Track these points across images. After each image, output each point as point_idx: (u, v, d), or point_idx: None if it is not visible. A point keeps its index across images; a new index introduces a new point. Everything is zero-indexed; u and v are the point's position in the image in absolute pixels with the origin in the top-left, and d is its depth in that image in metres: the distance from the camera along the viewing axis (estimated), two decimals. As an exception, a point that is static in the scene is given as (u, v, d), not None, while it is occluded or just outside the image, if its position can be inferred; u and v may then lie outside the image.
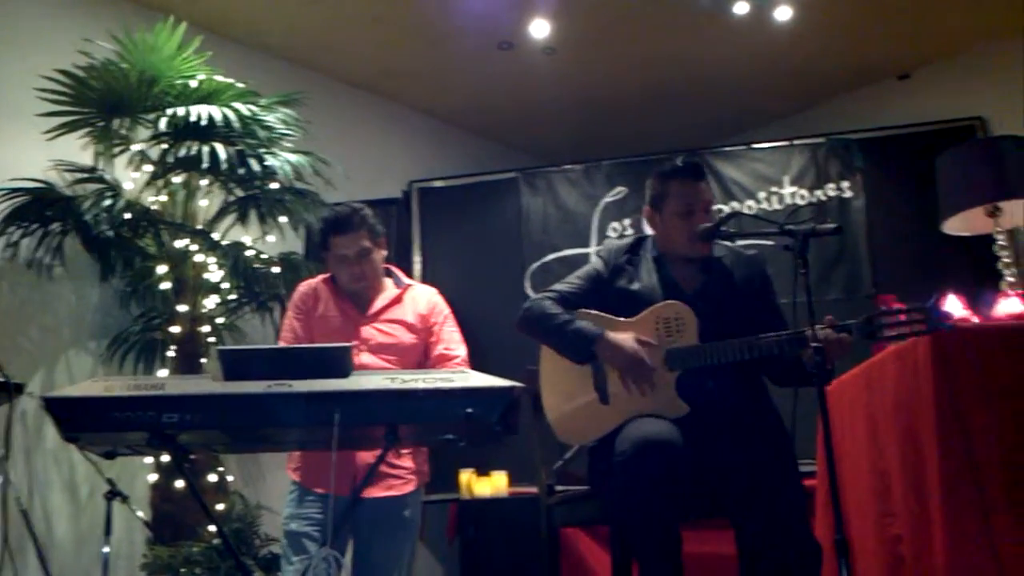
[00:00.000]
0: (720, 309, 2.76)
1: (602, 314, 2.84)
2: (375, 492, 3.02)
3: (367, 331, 3.16)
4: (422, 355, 3.21)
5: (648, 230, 3.04)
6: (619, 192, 5.62)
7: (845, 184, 5.45)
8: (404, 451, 3.04)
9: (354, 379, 2.44)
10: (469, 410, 2.39)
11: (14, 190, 4.05)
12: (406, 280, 3.34)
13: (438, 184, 5.89)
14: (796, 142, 5.60)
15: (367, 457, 2.90)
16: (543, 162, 6.16)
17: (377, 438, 2.49)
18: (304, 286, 3.29)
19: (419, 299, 3.28)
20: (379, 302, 3.23)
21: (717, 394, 2.69)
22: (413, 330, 3.21)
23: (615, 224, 5.60)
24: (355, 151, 5.44)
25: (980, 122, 5.43)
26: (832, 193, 5.46)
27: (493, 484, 5.08)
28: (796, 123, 6.15)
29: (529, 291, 5.45)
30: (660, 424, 2.58)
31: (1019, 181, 3.29)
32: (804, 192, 5.48)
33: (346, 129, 5.56)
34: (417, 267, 5.70)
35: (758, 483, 2.52)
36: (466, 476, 5.13)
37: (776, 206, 5.50)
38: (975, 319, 2.86)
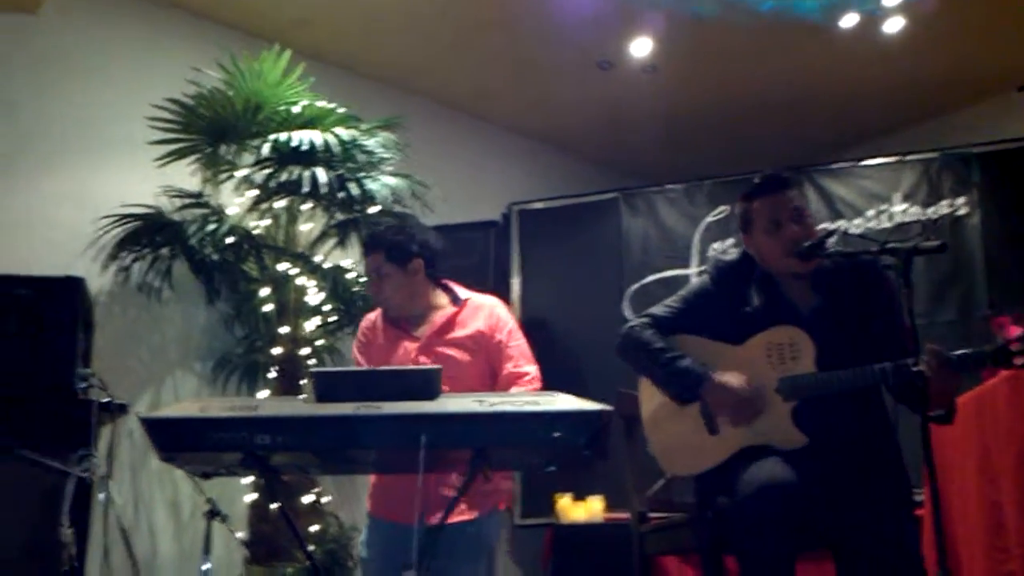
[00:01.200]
0: (838, 328, 2.59)
1: (707, 341, 2.72)
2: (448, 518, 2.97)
3: (422, 358, 3.04)
4: (484, 373, 3.06)
5: None
6: (721, 211, 5.50)
7: (960, 200, 5.22)
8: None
9: (441, 401, 2.43)
10: (557, 434, 2.34)
11: (125, 216, 4.21)
12: (464, 294, 3.16)
13: (538, 205, 5.88)
14: (908, 157, 5.40)
15: (437, 486, 2.85)
16: (643, 182, 6.09)
17: (464, 461, 2.46)
18: (365, 320, 3.22)
19: (479, 314, 3.11)
20: (430, 323, 3.11)
21: (837, 427, 2.54)
22: (469, 349, 3.06)
23: (716, 244, 5.48)
24: (453, 174, 5.49)
25: (1104, 131, 5.17)
26: (946, 210, 5.24)
27: (589, 509, 5.01)
28: (906, 138, 5.94)
29: (628, 313, 5.38)
30: (780, 467, 2.46)
31: None
32: (916, 209, 5.27)
33: (444, 152, 5.62)
34: (516, 289, 5.69)
35: (870, 519, 2.41)
36: (562, 501, 5.08)
37: (886, 224, 5.30)
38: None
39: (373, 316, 3.23)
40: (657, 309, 2.81)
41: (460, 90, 5.71)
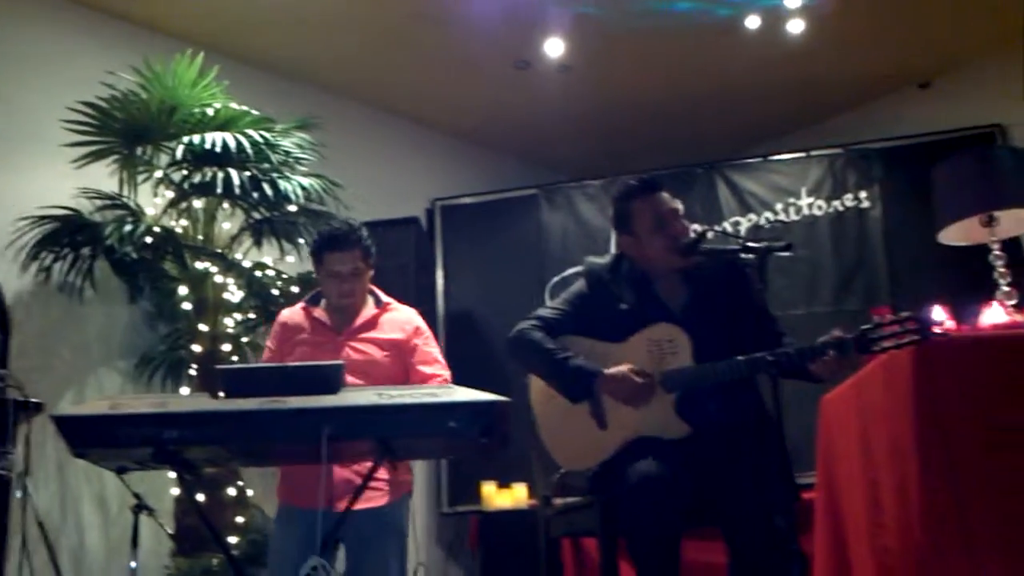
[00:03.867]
0: (710, 322, 2.76)
1: (591, 341, 2.85)
2: (357, 505, 3.09)
3: (344, 351, 3.19)
4: (400, 374, 3.21)
5: None
6: (636, 207, 5.67)
7: (863, 194, 5.46)
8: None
9: (343, 395, 2.55)
10: (452, 424, 2.47)
11: (43, 217, 4.24)
12: (385, 299, 3.35)
13: (460, 201, 6.00)
14: (813, 153, 5.63)
15: (344, 473, 2.97)
16: (563, 178, 6.25)
17: (366, 452, 2.59)
18: (282, 315, 3.34)
19: (398, 319, 3.30)
20: (358, 321, 3.26)
21: (717, 414, 2.71)
22: (387, 348, 3.23)
23: (633, 238, 5.65)
24: (374, 171, 5.59)
25: (1000, 129, 5.42)
26: (850, 203, 5.48)
27: (513, 496, 5.16)
28: (815, 134, 6.16)
29: (548, 306, 5.52)
30: (662, 461, 2.61)
31: (1014, 190, 3.30)
32: (821, 203, 5.51)
33: (365, 150, 5.70)
34: (440, 284, 5.81)
35: (751, 498, 2.57)
36: (487, 488, 5.22)
37: (794, 217, 5.53)
38: (961, 329, 2.88)
39: (291, 311, 3.35)
40: (544, 311, 2.94)
41: (381, 88, 5.80)
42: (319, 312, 3.29)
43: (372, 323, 3.28)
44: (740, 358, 2.59)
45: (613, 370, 2.72)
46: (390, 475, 3.16)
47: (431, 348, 3.30)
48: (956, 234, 3.48)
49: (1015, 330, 2.88)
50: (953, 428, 2.58)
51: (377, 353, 3.22)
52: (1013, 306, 3.11)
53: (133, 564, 3.58)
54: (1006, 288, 3.19)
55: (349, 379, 3.12)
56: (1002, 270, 3.24)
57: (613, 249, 3.08)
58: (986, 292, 3.23)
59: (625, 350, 2.78)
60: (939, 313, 2.88)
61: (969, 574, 2.49)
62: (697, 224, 2.83)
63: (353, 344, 3.22)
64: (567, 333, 2.87)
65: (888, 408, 2.86)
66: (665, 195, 2.85)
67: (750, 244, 2.46)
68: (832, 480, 3.36)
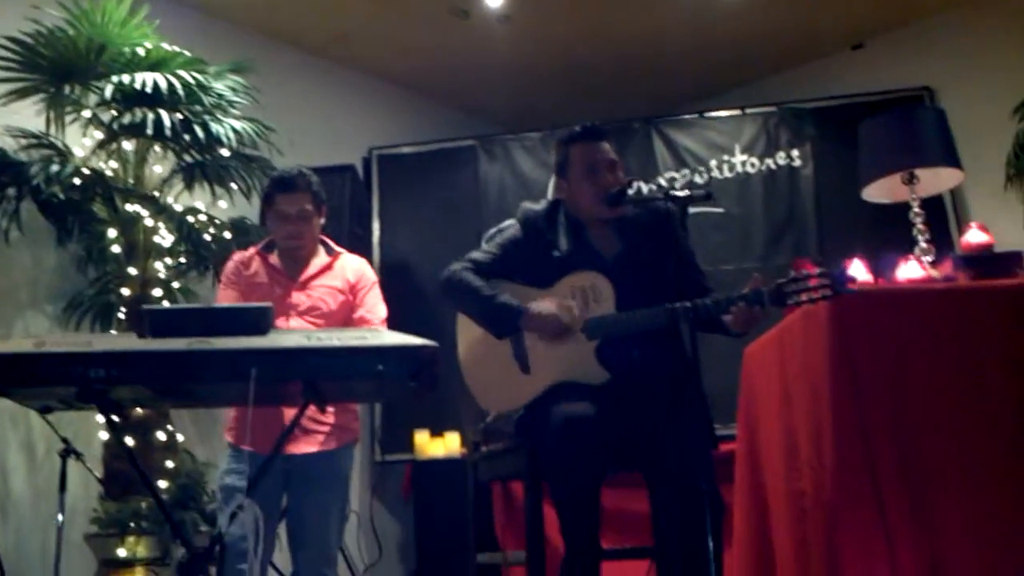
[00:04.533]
0: (638, 273, 2.81)
1: (518, 285, 2.91)
2: (302, 448, 3.14)
3: (296, 296, 3.27)
4: (346, 321, 3.30)
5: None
6: (573, 160, 5.70)
7: (795, 153, 5.56)
8: (329, 409, 3.13)
9: (271, 337, 2.56)
10: (380, 367, 2.50)
11: (-37, 157, 4.13)
12: (336, 248, 3.44)
13: (398, 151, 5.97)
14: (748, 111, 5.70)
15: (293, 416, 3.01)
16: (502, 130, 6.25)
17: (295, 394, 2.60)
18: (236, 256, 3.40)
19: (348, 267, 3.39)
20: (310, 269, 3.34)
21: (638, 362, 2.78)
22: (339, 297, 3.32)
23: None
24: (310, 118, 5.52)
25: (928, 92, 5.54)
26: (782, 161, 5.57)
27: (446, 445, 5.21)
28: (751, 93, 6.21)
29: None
30: (583, 405, 2.69)
31: (935, 150, 3.40)
32: (755, 160, 5.59)
33: (301, 95, 5.62)
34: (376, 233, 5.80)
35: (670, 444, 2.65)
36: (420, 437, 5.27)
37: (727, 174, 5.60)
38: (878, 282, 2.98)
39: (246, 254, 3.40)
40: (476, 254, 2.99)
41: (317, 33, 5.71)
42: (273, 259, 3.34)
43: (324, 271, 3.35)
44: (659, 307, 2.65)
45: (538, 306, 2.78)
46: (339, 421, 3.21)
47: (376, 298, 3.37)
48: (878, 191, 3.57)
49: (926, 284, 2.98)
50: (864, 377, 2.68)
51: (329, 300, 3.30)
52: (931, 263, 3.21)
53: (60, 517, 3.60)
54: (924, 245, 3.30)
55: (307, 325, 3.20)
56: (921, 227, 3.34)
57: (550, 195, 3.13)
58: (908, 249, 3.34)
59: (550, 295, 2.84)
60: (858, 268, 2.97)
61: (875, 517, 2.61)
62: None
63: (307, 292, 3.29)
64: (498, 276, 2.92)
65: (806, 358, 2.95)
66: (604, 145, 2.89)
67: (672, 193, 2.52)
68: (753, 429, 3.46)
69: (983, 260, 2.94)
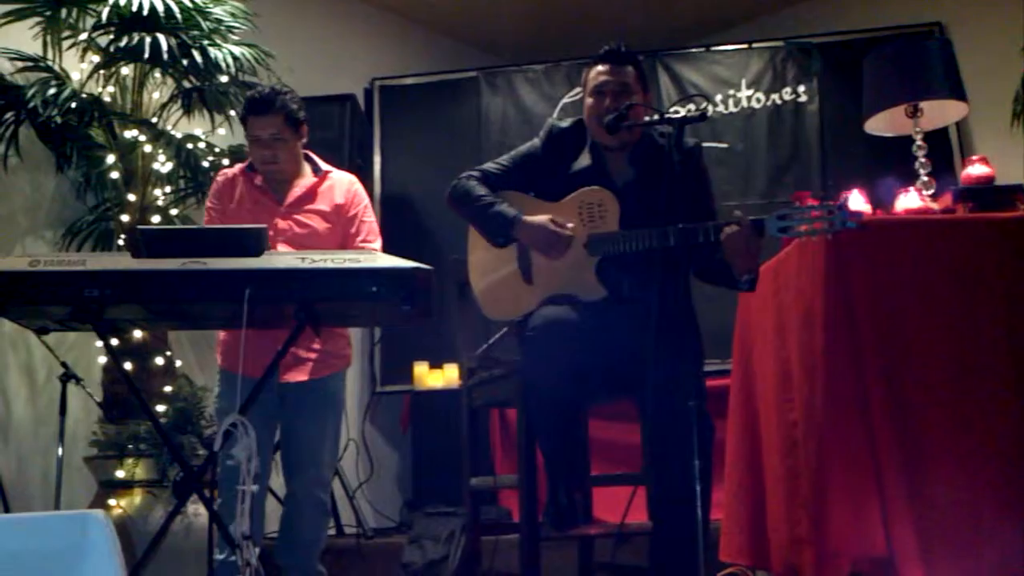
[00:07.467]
0: (647, 201, 2.78)
1: (526, 196, 2.93)
2: (295, 376, 3.14)
3: (282, 223, 3.19)
4: (338, 243, 3.23)
5: None
6: (577, 93, 5.63)
7: (801, 88, 5.48)
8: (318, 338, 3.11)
9: (265, 258, 2.57)
10: (374, 289, 2.51)
11: (-41, 79, 4.10)
12: (324, 167, 3.32)
13: (400, 82, 5.91)
14: (755, 46, 5.61)
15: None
16: (504, 61, 6.18)
17: (288, 316, 2.61)
18: (220, 176, 3.30)
19: (337, 187, 3.29)
20: (296, 190, 3.24)
21: (638, 287, 2.78)
22: (329, 219, 3.23)
23: (572, 125, 5.64)
24: (311, 46, 5.46)
25: (939, 27, 5.45)
26: (788, 97, 5.50)
27: (445, 376, 5.24)
28: (757, 28, 6.11)
29: (485, 190, 5.53)
30: (567, 310, 2.74)
31: (939, 82, 3.35)
32: (760, 96, 5.52)
33: (302, 22, 5.55)
34: (377, 165, 5.76)
35: (659, 364, 2.65)
36: (419, 369, 5.29)
37: (732, 109, 5.54)
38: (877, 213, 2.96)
39: (231, 173, 3.30)
40: (488, 165, 3.02)
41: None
42: (259, 179, 3.25)
43: (312, 193, 3.26)
44: (659, 229, 2.64)
45: (532, 218, 2.79)
46: (330, 347, 3.20)
47: (370, 219, 3.32)
48: (882, 124, 3.53)
49: (923, 215, 2.97)
50: (858, 307, 2.68)
51: (320, 224, 3.23)
52: (931, 196, 3.19)
53: (60, 452, 3.65)
54: (925, 178, 3.27)
55: (288, 251, 3.14)
56: (923, 160, 3.31)
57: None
58: (910, 183, 3.31)
59: (557, 209, 2.86)
60: (856, 198, 2.95)
61: (863, 447, 2.63)
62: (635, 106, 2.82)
63: (296, 217, 3.21)
64: (507, 188, 2.94)
65: (801, 288, 2.95)
66: (614, 68, 2.86)
67: (667, 116, 2.51)
68: (748, 360, 3.47)
69: (983, 192, 2.92)
